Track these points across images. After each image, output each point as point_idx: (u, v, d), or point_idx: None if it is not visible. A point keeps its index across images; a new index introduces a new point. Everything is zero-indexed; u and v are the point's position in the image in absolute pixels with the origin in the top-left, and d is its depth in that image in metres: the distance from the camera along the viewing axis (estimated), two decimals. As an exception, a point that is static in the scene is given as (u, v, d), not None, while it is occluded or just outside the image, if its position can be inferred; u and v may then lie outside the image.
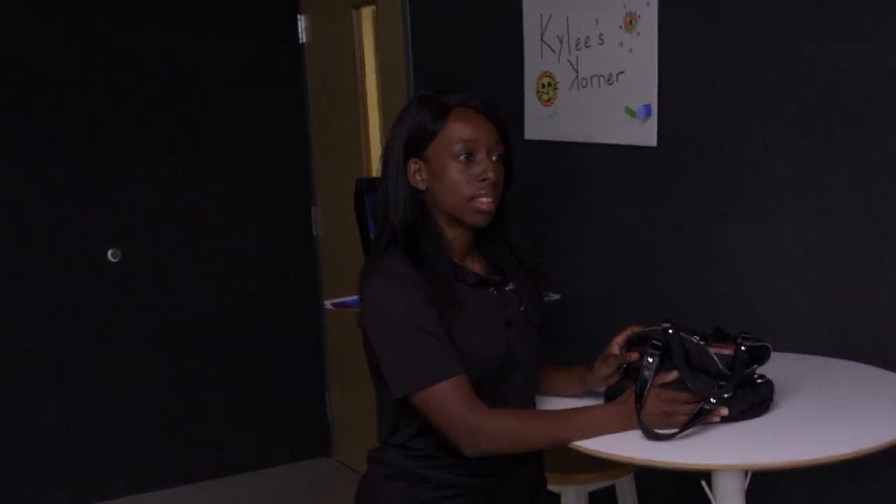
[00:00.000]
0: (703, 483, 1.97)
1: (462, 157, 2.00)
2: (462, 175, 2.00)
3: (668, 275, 2.93)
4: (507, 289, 2.10)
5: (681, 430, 1.88)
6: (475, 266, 2.10)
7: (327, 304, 3.49)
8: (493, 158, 2.03)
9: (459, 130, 2.00)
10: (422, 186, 2.04)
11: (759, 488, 2.07)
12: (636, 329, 2.06)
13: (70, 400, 4.52)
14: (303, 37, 4.87)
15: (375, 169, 2.27)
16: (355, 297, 2.11)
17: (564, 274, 3.26)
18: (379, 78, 4.38)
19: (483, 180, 2.00)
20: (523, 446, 1.97)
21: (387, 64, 4.24)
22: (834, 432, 1.92)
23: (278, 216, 4.92)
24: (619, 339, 2.07)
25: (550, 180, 3.31)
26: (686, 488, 2.43)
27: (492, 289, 2.08)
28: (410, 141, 2.03)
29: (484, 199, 2.00)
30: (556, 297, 3.20)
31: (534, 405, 2.14)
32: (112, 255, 4.50)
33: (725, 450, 1.87)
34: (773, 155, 2.57)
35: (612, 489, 2.79)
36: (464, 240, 2.07)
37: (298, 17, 4.85)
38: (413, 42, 3.98)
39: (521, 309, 2.09)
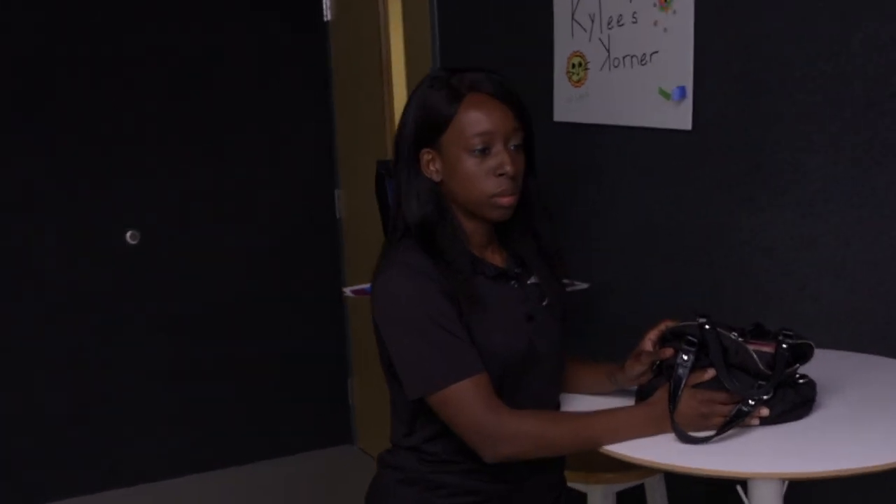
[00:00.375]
0: (739, 488, 1.86)
1: (477, 151, 1.87)
2: (478, 168, 1.87)
3: (701, 263, 2.82)
4: (528, 282, 1.98)
5: (717, 433, 1.77)
6: (495, 258, 1.98)
7: (347, 291, 3.41)
8: (512, 147, 1.89)
9: (473, 122, 1.86)
10: (436, 178, 1.91)
11: (798, 493, 1.96)
12: (670, 324, 1.94)
13: (84, 389, 4.46)
14: (328, 14, 4.78)
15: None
16: (373, 285, 2.01)
17: (593, 261, 3.17)
18: (405, 57, 4.28)
19: (501, 174, 1.87)
20: (547, 451, 1.85)
21: (413, 42, 4.14)
22: (880, 438, 1.79)
23: (301, 199, 4.84)
24: (653, 335, 1.96)
25: (580, 164, 3.21)
26: (719, 490, 2.33)
27: (513, 282, 1.96)
28: (422, 129, 1.90)
29: (504, 198, 1.88)
30: (584, 285, 3.10)
31: (558, 404, 2.03)
32: (131, 236, 4.43)
33: (764, 455, 1.75)
34: (812, 142, 2.45)
35: (640, 488, 2.68)
36: (483, 231, 1.95)
37: (324, -7, 4.77)
38: (440, 20, 3.89)
39: (545, 303, 1.97)
